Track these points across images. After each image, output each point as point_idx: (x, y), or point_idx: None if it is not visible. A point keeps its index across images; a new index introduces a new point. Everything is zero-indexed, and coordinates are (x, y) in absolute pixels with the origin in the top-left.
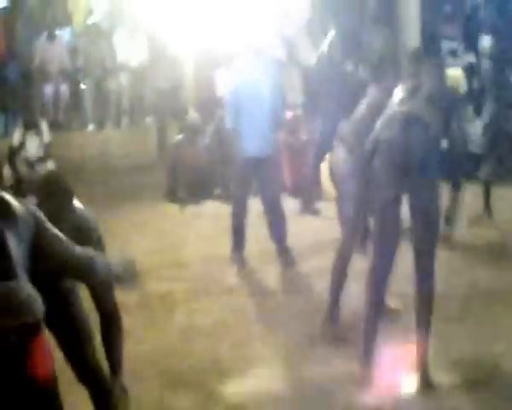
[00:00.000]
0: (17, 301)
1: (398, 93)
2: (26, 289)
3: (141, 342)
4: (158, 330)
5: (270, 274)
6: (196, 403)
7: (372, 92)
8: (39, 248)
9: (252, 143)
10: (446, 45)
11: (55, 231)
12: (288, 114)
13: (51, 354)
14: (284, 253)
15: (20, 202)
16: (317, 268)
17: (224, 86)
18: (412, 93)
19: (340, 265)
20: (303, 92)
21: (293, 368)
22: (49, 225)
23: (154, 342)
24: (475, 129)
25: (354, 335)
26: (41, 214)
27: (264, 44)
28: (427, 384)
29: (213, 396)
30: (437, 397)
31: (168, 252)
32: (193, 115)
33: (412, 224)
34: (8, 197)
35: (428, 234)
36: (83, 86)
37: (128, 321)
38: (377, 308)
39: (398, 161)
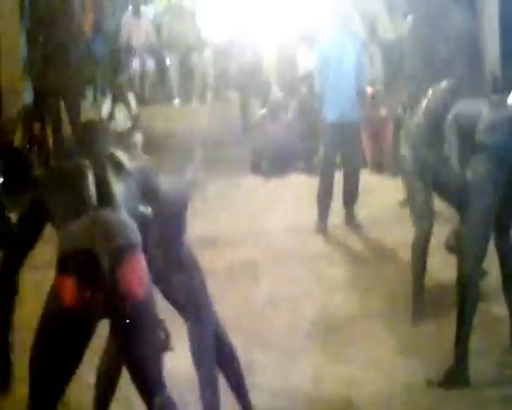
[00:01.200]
0: (110, 226)
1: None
2: (121, 216)
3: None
4: (242, 296)
5: (355, 243)
6: (279, 363)
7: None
8: (148, 192)
9: (337, 109)
10: None
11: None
12: (369, 90)
13: (144, 275)
14: (351, 219)
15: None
16: (400, 240)
17: (305, 63)
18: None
19: (419, 247)
20: (383, 69)
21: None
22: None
23: (238, 306)
24: None
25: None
26: (148, 170)
27: (348, 16)
28: None
29: (296, 358)
30: None
31: (253, 221)
32: (276, 92)
33: None
34: (119, 153)
35: None
36: (168, 62)
37: (213, 286)
38: None
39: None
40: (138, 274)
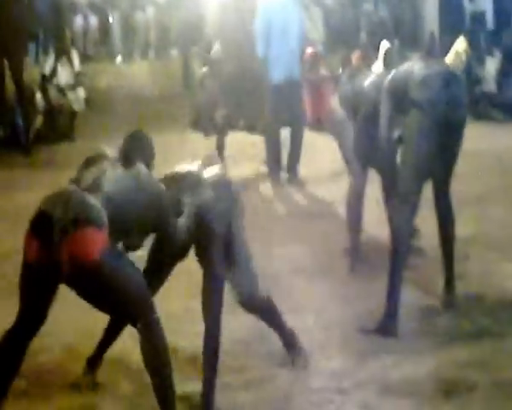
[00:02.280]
0: (75, 203)
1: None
2: (92, 201)
3: None
4: None
5: (296, 199)
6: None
7: None
8: None
9: (282, 70)
10: None
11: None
12: (309, 51)
13: (95, 249)
14: (293, 177)
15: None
16: (339, 196)
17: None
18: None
19: (353, 201)
20: (323, 30)
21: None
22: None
23: None
24: None
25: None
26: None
27: None
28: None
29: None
30: None
31: None
32: (217, 50)
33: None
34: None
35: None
36: (111, 19)
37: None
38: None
39: (440, 118)
40: (87, 243)
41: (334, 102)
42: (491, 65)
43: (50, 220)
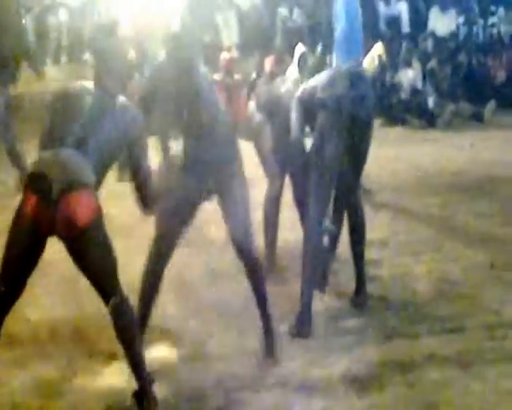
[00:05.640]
0: (68, 164)
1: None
2: (81, 160)
3: None
4: None
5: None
6: None
7: None
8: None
9: None
10: None
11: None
12: (225, 55)
13: (88, 210)
14: None
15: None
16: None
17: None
18: None
19: (270, 205)
20: (239, 34)
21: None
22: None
23: None
24: None
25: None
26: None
27: None
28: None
29: None
30: None
31: None
32: (131, 53)
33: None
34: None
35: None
36: (23, 22)
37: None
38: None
39: (346, 117)
40: (81, 208)
41: (251, 107)
42: (407, 71)
43: (48, 181)
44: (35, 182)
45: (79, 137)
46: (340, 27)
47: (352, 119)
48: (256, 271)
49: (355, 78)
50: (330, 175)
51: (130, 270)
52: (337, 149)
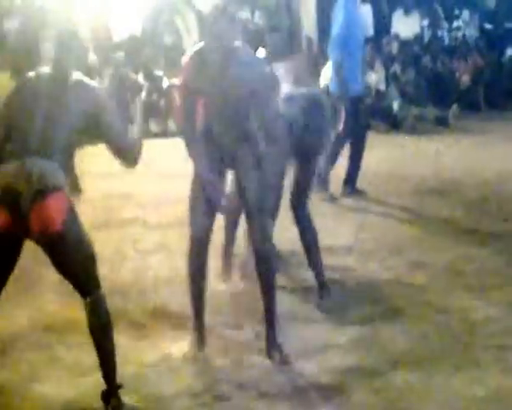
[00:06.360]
0: (34, 172)
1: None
2: (46, 164)
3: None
4: None
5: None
6: None
7: None
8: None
9: None
10: None
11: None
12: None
13: (59, 214)
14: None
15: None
16: None
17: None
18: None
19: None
20: (198, 36)
21: None
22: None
23: None
24: None
25: None
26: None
27: None
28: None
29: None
30: None
31: None
32: (91, 57)
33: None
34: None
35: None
36: None
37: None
38: None
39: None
40: (52, 214)
41: None
42: (371, 75)
43: (16, 194)
44: (3, 196)
45: (42, 133)
46: (334, 31)
47: (298, 145)
48: (268, 260)
49: (307, 103)
50: (278, 184)
51: None
52: (283, 164)
